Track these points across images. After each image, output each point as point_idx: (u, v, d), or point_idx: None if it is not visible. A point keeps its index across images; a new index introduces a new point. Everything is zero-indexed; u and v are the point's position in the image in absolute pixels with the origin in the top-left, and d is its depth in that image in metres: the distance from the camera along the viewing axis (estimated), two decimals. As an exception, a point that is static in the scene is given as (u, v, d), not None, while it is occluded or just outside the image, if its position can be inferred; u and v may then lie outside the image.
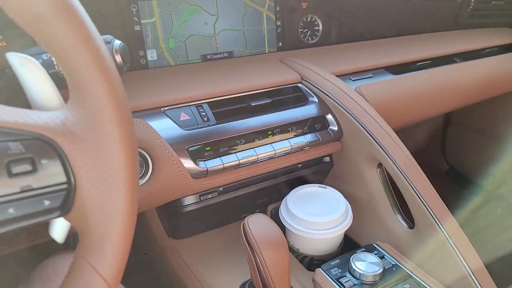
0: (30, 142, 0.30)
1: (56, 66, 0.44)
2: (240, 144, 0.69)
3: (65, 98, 0.37)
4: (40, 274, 0.55)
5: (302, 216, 0.70)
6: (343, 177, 0.85)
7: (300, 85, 0.83)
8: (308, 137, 0.76)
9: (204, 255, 0.79)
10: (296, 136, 0.75)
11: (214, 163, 0.66)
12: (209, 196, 0.73)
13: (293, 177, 0.83)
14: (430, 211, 0.65)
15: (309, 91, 0.82)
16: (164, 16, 0.83)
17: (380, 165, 0.76)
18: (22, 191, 0.30)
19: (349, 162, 0.81)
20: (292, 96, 0.80)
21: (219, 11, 0.89)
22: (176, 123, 0.66)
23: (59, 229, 0.39)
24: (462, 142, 1.58)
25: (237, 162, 0.67)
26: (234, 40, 0.93)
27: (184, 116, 0.67)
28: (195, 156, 0.64)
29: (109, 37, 0.50)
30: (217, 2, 0.88)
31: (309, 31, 1.05)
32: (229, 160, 0.67)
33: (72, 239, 0.87)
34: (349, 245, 0.80)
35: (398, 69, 0.97)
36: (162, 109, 0.67)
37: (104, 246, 0.33)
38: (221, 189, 0.74)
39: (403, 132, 0.84)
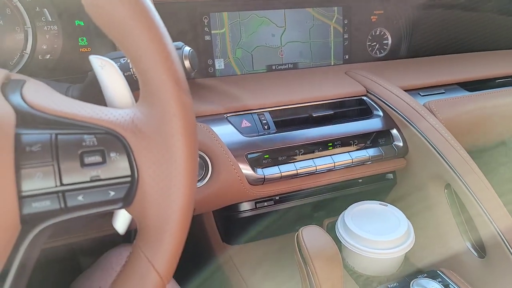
0: (102, 136, 0.33)
1: (131, 70, 0.48)
2: (299, 154, 0.69)
3: (137, 99, 0.40)
4: (104, 263, 0.59)
5: (361, 233, 0.68)
6: (406, 196, 0.80)
7: (365, 98, 0.81)
8: (371, 152, 0.73)
9: (256, 263, 0.79)
10: (358, 149, 0.73)
11: (272, 171, 0.66)
12: (265, 204, 0.74)
13: (353, 192, 0.80)
14: (505, 241, 0.59)
15: (374, 105, 0.79)
16: (233, 27, 0.86)
17: (448, 186, 0.71)
18: (91, 181, 0.32)
19: (413, 181, 0.77)
20: (355, 108, 0.79)
21: (287, 23, 0.90)
22: (238, 130, 0.67)
23: (121, 220, 0.41)
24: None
25: (295, 172, 0.67)
26: (300, 51, 0.93)
27: (245, 123, 0.69)
28: (254, 163, 0.65)
29: (180, 43, 0.53)
30: (285, 14, 0.90)
31: (377, 45, 1.02)
32: (287, 169, 0.67)
33: (134, 233, 0.92)
34: (408, 268, 0.75)
35: (473, 85, 0.90)
36: (225, 115, 0.69)
37: (160, 240, 0.34)
38: (277, 198, 0.74)
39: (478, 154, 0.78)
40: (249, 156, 0.65)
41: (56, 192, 0.31)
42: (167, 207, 0.34)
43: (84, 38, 0.64)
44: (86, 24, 0.64)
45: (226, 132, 0.66)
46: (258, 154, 0.66)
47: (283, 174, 0.66)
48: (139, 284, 0.34)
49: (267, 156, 0.66)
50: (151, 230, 0.34)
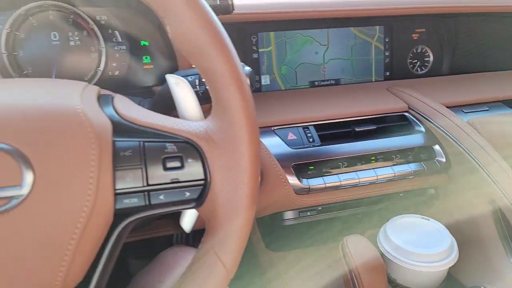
0: (181, 144, 0.38)
1: (197, 86, 0.53)
2: (342, 167, 0.72)
3: (203, 111, 0.45)
4: (161, 261, 0.64)
5: (404, 246, 0.69)
6: (449, 211, 0.81)
7: (406, 114, 0.83)
8: (413, 166, 0.75)
9: (299, 270, 0.82)
10: (400, 164, 0.75)
11: (317, 182, 0.69)
12: (308, 213, 0.77)
13: (394, 205, 0.82)
14: (552, 258, 0.59)
15: (416, 121, 0.81)
16: (279, 45, 0.91)
17: (493, 201, 0.71)
18: (171, 182, 0.37)
19: (456, 197, 0.78)
20: (397, 124, 0.81)
21: (330, 42, 0.94)
22: (284, 142, 0.71)
23: (188, 220, 0.46)
24: None
25: (339, 183, 0.70)
26: (342, 68, 0.97)
27: (291, 136, 0.73)
28: (299, 174, 0.69)
29: (241, 63, 0.58)
30: (328, 33, 0.94)
31: (418, 62, 1.04)
32: (331, 180, 0.70)
33: (186, 236, 0.97)
34: (451, 283, 0.75)
35: (519, 103, 0.90)
36: (272, 128, 0.74)
37: (228, 237, 0.38)
38: (320, 208, 0.77)
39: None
40: (295, 167, 0.69)
41: (143, 191, 0.36)
42: (234, 208, 0.38)
43: (148, 57, 0.71)
44: (150, 44, 0.71)
45: (273, 144, 0.70)
46: (303, 165, 0.69)
47: (327, 185, 0.70)
48: (208, 277, 0.38)
49: (312, 167, 0.70)
50: (220, 228, 0.39)
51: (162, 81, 0.69)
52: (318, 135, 0.74)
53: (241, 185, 0.38)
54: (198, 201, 0.38)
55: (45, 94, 0.36)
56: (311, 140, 0.73)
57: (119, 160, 0.35)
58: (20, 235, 0.31)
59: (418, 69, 1.04)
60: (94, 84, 0.68)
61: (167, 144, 0.37)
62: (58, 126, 0.33)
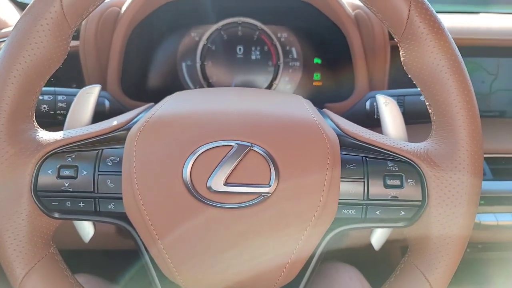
0: (402, 163, 0.38)
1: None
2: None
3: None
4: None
5: None
6: None
7: None
8: None
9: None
10: None
11: (488, 218, 0.64)
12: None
13: None
14: None
15: None
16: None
17: None
18: (390, 199, 0.37)
19: None
20: None
21: (499, 72, 0.87)
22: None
23: (379, 237, 0.45)
24: None
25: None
26: (510, 100, 0.88)
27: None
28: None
29: None
30: (499, 63, 0.87)
31: None
32: (505, 218, 0.64)
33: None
34: None
35: None
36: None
37: (438, 258, 0.37)
38: (479, 246, 0.71)
39: None
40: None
41: (362, 204, 0.37)
42: (449, 229, 0.37)
43: (318, 74, 0.74)
44: (322, 62, 0.73)
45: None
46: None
47: (499, 223, 0.64)
48: None
49: (483, 202, 0.65)
50: (429, 248, 0.37)
51: (331, 98, 0.70)
52: (489, 168, 0.69)
53: (458, 207, 0.37)
54: (410, 221, 0.38)
55: (282, 104, 0.40)
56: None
57: (344, 172, 0.36)
58: (260, 227, 0.34)
59: None
60: None
61: (389, 162, 0.38)
62: (301, 134, 0.36)
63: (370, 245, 0.46)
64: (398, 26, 0.36)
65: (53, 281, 0.36)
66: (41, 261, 0.35)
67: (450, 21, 0.81)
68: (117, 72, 0.62)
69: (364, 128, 0.41)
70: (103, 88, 0.64)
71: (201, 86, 0.73)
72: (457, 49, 0.37)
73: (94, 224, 0.42)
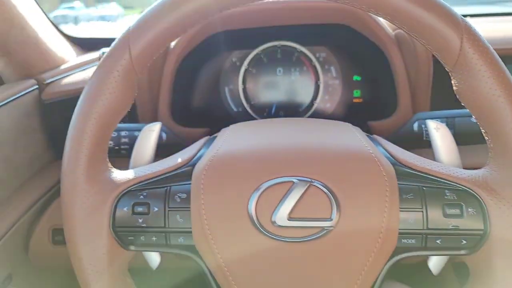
0: (460, 192, 0.38)
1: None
2: None
3: None
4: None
5: None
6: None
7: None
8: None
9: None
10: None
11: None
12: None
13: None
14: None
15: None
16: None
17: None
18: (451, 229, 0.38)
19: None
20: None
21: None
22: None
23: (438, 263, 0.45)
24: None
25: None
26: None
27: None
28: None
29: None
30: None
31: None
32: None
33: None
34: None
35: None
36: None
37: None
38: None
39: None
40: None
41: (421, 234, 0.38)
42: None
43: (359, 91, 0.75)
44: (362, 79, 0.74)
45: None
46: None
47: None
48: None
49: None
50: (493, 277, 0.38)
51: (371, 115, 0.71)
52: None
53: None
54: (471, 250, 0.38)
55: (334, 134, 0.41)
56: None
57: (402, 202, 0.37)
58: (324, 260, 0.36)
59: None
60: (309, 117, 0.74)
61: (446, 191, 0.38)
62: (358, 166, 0.37)
63: (421, 262, 0.46)
64: (450, 57, 0.36)
65: None
66: None
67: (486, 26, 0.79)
68: (167, 101, 0.65)
69: (418, 156, 0.42)
70: (154, 118, 0.67)
71: (244, 108, 0.76)
72: (511, 77, 0.37)
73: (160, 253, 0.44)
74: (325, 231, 0.35)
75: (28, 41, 0.67)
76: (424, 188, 0.38)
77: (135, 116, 0.66)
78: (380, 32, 0.64)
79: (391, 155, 0.41)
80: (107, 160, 0.39)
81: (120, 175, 0.39)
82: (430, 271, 0.45)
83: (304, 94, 0.75)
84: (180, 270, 0.76)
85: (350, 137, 0.41)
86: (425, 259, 0.45)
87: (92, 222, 0.37)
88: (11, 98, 0.65)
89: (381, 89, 0.71)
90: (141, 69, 0.38)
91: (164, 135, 0.57)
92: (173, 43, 0.66)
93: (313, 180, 0.35)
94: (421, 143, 0.56)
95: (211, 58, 0.74)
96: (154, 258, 0.43)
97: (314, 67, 0.74)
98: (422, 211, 0.37)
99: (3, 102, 0.64)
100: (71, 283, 0.86)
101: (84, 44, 0.89)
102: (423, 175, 0.39)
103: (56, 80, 0.71)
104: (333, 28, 0.71)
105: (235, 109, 0.76)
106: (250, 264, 0.36)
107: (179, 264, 0.71)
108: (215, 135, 0.45)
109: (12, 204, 0.69)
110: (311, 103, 0.75)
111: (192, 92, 0.74)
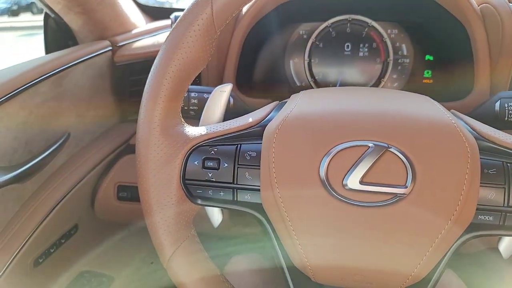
0: None
1: None
2: None
3: None
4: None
5: None
6: None
7: None
8: None
9: None
10: None
11: None
12: None
13: None
14: None
15: None
16: None
17: None
18: None
19: None
20: None
21: None
22: None
23: (509, 245, 0.42)
24: None
25: None
26: None
27: None
28: None
29: None
30: None
31: None
32: None
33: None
34: None
35: None
36: None
37: None
38: None
39: None
40: None
41: (501, 211, 0.35)
42: None
43: (430, 71, 0.71)
44: (435, 59, 0.70)
45: None
46: None
47: None
48: None
49: None
50: None
51: (441, 97, 0.67)
52: None
53: None
54: None
55: (414, 104, 0.39)
56: None
57: (484, 177, 0.35)
58: (394, 227, 0.34)
59: None
60: None
61: None
62: (439, 136, 0.35)
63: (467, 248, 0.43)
64: None
65: (195, 260, 0.40)
66: (185, 242, 0.40)
67: None
68: (234, 69, 0.66)
69: (501, 132, 0.39)
70: (218, 83, 0.68)
71: (307, 83, 0.74)
72: None
73: (222, 211, 0.45)
74: (398, 198, 0.34)
75: (107, 3, 0.70)
76: (508, 164, 0.35)
77: (198, 83, 0.67)
78: (465, 4, 0.59)
79: (473, 129, 0.38)
80: (180, 114, 0.40)
81: (192, 130, 0.40)
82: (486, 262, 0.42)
83: (371, 72, 0.72)
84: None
85: (430, 107, 0.39)
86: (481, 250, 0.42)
87: (163, 173, 0.38)
88: (87, 57, 0.68)
89: (456, 70, 0.67)
90: (220, 24, 0.38)
91: (231, 99, 0.57)
92: (244, 9, 0.66)
93: (390, 146, 0.34)
94: (503, 124, 0.51)
95: (279, 29, 0.73)
96: (215, 215, 0.44)
97: (385, 44, 0.71)
98: (504, 187, 0.35)
99: (79, 60, 0.67)
100: (132, 237, 0.92)
101: (153, 12, 0.92)
102: (508, 151, 0.36)
103: (128, 43, 0.74)
104: (413, 1, 0.66)
105: (298, 83, 0.75)
106: (317, 226, 0.36)
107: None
108: (285, 100, 0.45)
109: (81, 159, 0.74)
110: (378, 81, 0.72)
111: (257, 62, 0.74)
